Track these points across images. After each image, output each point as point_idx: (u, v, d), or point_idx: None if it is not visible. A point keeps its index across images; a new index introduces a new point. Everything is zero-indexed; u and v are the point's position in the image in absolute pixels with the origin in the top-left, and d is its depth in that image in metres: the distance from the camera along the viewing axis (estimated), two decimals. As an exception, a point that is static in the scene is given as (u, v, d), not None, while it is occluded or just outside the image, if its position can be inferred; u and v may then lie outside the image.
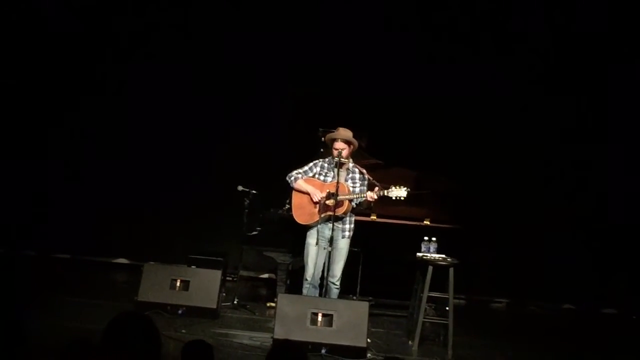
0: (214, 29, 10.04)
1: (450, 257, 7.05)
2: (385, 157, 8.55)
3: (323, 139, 7.92)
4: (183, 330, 6.62)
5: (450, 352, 6.81)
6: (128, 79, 10.11)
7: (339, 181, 7.07)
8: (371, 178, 7.30)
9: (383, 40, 9.79)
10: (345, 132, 7.27)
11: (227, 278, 8.67)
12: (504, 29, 9.88)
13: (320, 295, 7.19)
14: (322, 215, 7.17)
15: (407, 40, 9.82)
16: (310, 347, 6.22)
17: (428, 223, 8.55)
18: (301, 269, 7.59)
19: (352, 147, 7.27)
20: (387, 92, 9.67)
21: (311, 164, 7.43)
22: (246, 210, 8.03)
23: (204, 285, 7.43)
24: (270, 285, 9.16)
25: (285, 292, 7.85)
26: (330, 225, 7.04)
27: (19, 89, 10.09)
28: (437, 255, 7.07)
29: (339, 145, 7.19)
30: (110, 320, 3.11)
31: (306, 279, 7.34)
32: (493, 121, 9.79)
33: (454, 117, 9.71)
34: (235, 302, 8.01)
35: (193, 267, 8.03)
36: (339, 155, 7.09)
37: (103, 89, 10.17)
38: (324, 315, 6.52)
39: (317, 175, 7.36)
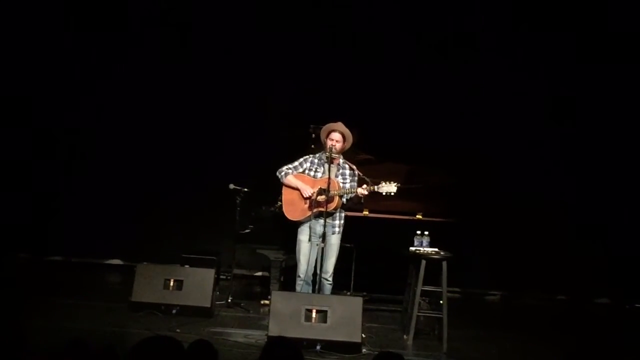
0: (212, 29, 10.06)
1: (443, 250, 7.05)
2: (377, 151, 8.55)
3: (313, 135, 7.93)
4: (178, 330, 6.59)
5: (445, 345, 6.79)
6: (127, 79, 10.13)
7: (330, 177, 7.07)
8: (361, 174, 7.29)
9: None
10: (343, 126, 7.27)
11: (221, 276, 8.69)
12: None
13: (313, 291, 7.20)
14: (314, 211, 7.16)
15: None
16: (305, 343, 6.20)
17: (420, 217, 8.56)
18: (294, 265, 7.58)
19: (345, 143, 7.25)
20: (379, 86, 9.70)
21: (301, 159, 7.42)
22: (238, 209, 8.02)
23: (198, 284, 7.42)
24: (264, 282, 9.16)
25: (279, 289, 7.86)
26: (321, 221, 7.03)
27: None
28: (429, 249, 7.05)
29: (336, 135, 7.19)
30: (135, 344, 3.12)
31: (299, 276, 7.33)
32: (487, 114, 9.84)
33: (445, 110, 9.74)
34: (229, 300, 8.00)
35: (186, 266, 8.03)
36: (331, 149, 7.10)
37: (98, 89, 10.17)
38: (318, 312, 6.49)
39: (307, 171, 7.35)
